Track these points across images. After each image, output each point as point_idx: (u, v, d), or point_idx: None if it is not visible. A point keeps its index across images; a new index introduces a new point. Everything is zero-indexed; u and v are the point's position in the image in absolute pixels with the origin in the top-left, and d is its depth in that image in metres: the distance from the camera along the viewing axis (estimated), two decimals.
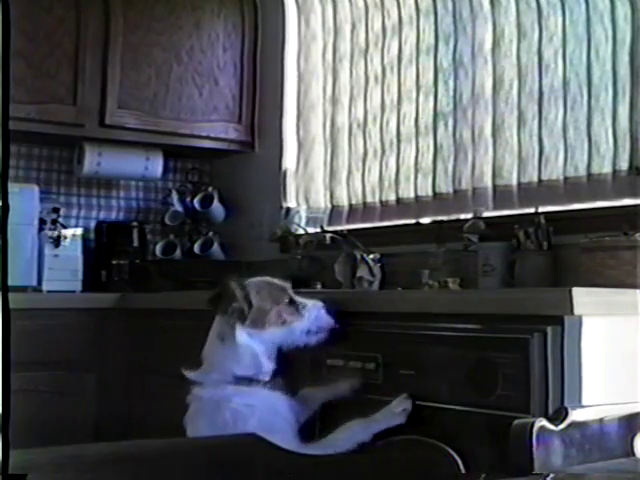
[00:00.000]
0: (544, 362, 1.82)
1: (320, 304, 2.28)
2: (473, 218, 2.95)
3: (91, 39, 3.64)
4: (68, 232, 3.63)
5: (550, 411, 1.78)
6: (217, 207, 4.02)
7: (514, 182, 2.95)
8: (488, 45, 3.05)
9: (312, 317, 2.27)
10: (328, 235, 3.42)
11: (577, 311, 1.82)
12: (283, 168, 3.81)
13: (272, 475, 1.86)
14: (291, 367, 2.37)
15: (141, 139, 3.77)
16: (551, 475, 1.61)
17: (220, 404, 2.20)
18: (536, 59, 2.90)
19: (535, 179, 2.89)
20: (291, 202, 3.75)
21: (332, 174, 3.62)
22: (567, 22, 2.82)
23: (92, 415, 3.19)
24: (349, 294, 2.81)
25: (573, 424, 1.74)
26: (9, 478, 1.33)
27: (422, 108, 3.28)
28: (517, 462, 1.69)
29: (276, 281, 2.36)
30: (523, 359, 1.83)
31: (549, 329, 1.82)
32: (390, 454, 1.82)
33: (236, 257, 3.93)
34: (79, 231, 3.72)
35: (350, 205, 3.53)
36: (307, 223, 3.67)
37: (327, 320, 2.27)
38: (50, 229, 3.58)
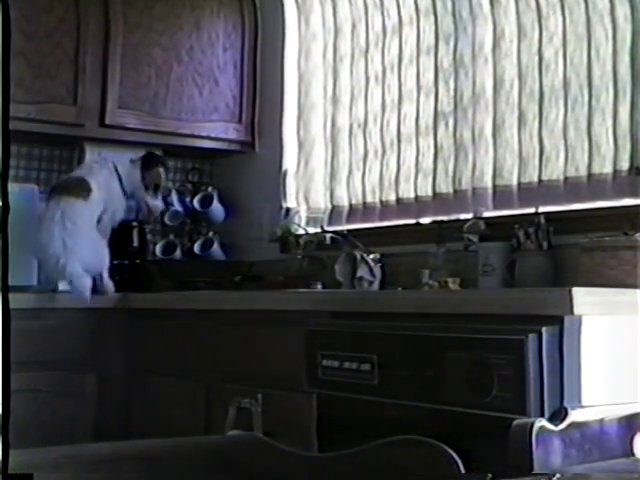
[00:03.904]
0: (539, 363, 1.81)
1: None
2: (473, 218, 2.96)
3: (91, 39, 3.63)
4: None
5: (547, 412, 1.78)
6: (217, 207, 4.02)
7: (514, 182, 2.95)
8: (488, 45, 3.05)
9: None
10: (328, 235, 3.43)
11: (577, 311, 1.82)
12: (283, 168, 3.81)
13: (272, 475, 1.86)
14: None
15: (141, 139, 3.76)
16: (557, 475, 1.61)
17: None
18: (536, 59, 2.90)
19: (535, 179, 2.89)
20: (291, 202, 3.75)
21: (332, 174, 3.62)
22: (567, 22, 2.82)
23: (92, 415, 3.18)
24: (349, 294, 2.81)
25: (573, 424, 1.74)
26: (9, 478, 1.33)
27: (422, 108, 3.28)
28: (517, 462, 1.69)
29: None
30: (518, 360, 1.82)
31: (544, 330, 1.82)
32: (390, 454, 1.81)
33: (236, 257, 3.93)
34: None
35: (350, 205, 3.53)
36: (307, 223, 3.66)
37: None
38: None
